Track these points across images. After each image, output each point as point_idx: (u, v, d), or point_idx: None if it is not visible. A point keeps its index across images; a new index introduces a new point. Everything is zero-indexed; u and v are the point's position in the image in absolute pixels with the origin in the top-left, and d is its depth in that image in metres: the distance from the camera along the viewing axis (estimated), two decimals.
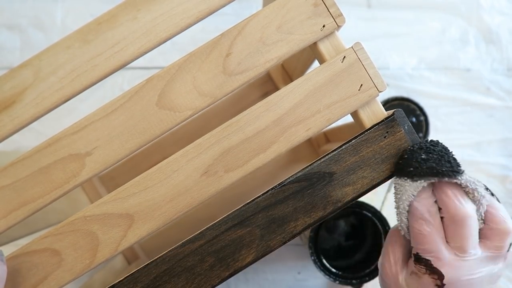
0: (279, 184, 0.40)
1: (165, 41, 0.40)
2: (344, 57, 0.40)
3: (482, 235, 0.39)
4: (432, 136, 0.83)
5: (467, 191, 0.39)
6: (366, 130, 0.40)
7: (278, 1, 0.40)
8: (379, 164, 0.40)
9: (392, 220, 0.67)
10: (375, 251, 0.68)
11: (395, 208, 0.41)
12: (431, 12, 0.87)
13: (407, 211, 0.39)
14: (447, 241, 0.39)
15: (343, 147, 0.40)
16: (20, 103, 0.40)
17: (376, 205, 0.76)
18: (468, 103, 0.85)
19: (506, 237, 0.39)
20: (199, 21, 0.40)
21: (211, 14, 0.40)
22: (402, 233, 0.41)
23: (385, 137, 0.40)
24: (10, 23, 0.84)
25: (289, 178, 0.40)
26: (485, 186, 0.40)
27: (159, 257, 0.41)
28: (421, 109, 0.82)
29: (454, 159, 0.40)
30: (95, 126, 0.40)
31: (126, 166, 0.76)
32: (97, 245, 0.40)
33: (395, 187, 0.40)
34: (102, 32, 0.40)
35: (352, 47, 0.40)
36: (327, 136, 0.76)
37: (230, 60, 0.40)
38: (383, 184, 0.41)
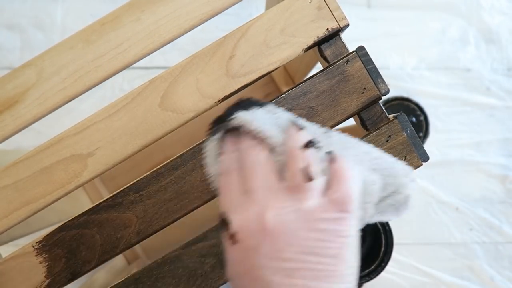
0: None
1: (168, 43, 0.40)
2: (348, 60, 0.40)
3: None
4: (432, 136, 0.83)
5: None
6: (368, 134, 0.40)
7: (282, 4, 0.40)
8: None
9: (392, 220, 0.67)
10: (375, 250, 0.68)
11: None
12: (431, 12, 0.87)
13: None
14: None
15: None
16: (23, 103, 0.40)
17: None
18: (468, 103, 0.85)
19: (292, 161, 0.32)
20: (202, 23, 0.40)
21: (214, 16, 0.40)
22: None
23: (387, 141, 0.40)
24: (10, 23, 0.84)
25: None
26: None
27: (161, 258, 0.41)
28: (421, 109, 0.83)
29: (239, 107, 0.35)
30: (97, 127, 0.40)
31: (127, 166, 0.76)
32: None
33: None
34: (106, 33, 0.40)
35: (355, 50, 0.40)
36: None
37: (234, 62, 0.40)
38: None
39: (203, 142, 0.40)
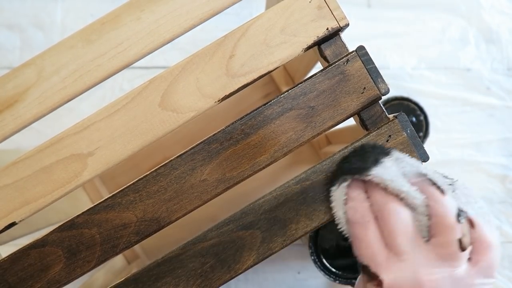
0: (281, 186, 0.40)
1: (169, 42, 0.40)
2: (348, 60, 0.40)
3: (429, 232, 0.35)
4: (432, 136, 0.83)
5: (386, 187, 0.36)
6: (368, 133, 0.40)
7: (282, 3, 0.40)
8: None
9: None
10: None
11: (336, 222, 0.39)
12: (431, 12, 0.87)
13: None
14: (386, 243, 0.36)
15: (346, 150, 0.40)
16: (23, 102, 0.40)
17: None
18: (468, 103, 0.85)
19: (448, 231, 0.34)
20: (202, 22, 0.40)
21: (214, 15, 0.40)
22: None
23: (387, 141, 0.40)
24: (10, 23, 0.84)
25: (291, 180, 0.40)
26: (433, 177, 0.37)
27: (161, 258, 0.41)
28: (421, 108, 0.83)
29: (372, 157, 0.37)
30: (97, 127, 0.40)
31: (127, 165, 0.76)
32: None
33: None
34: (106, 32, 0.40)
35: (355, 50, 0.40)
36: (328, 138, 0.76)
37: (234, 62, 0.40)
38: None
39: (202, 142, 0.40)
